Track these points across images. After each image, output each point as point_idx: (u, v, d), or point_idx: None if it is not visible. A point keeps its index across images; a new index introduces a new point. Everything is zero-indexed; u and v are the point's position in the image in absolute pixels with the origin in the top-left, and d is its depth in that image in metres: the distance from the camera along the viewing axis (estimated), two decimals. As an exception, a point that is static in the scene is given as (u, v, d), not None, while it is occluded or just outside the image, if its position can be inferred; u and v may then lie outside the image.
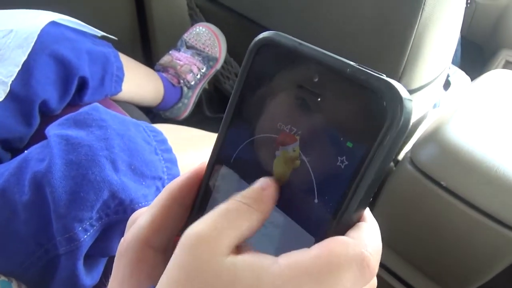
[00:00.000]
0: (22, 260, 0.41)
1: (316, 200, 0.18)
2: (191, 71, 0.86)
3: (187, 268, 0.16)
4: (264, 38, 0.20)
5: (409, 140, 0.97)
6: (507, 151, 0.68)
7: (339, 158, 0.17)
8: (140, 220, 0.21)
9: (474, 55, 1.37)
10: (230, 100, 0.21)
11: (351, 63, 0.18)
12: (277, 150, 0.19)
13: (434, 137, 0.73)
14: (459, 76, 1.18)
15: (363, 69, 0.17)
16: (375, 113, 0.16)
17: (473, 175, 0.67)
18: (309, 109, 0.18)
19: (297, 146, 0.19)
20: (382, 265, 0.88)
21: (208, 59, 0.89)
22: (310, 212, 0.18)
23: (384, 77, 0.17)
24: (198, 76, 0.88)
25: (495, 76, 0.90)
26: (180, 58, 0.87)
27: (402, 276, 0.85)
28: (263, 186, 0.19)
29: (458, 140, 0.70)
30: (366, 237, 0.18)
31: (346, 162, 0.17)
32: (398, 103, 0.16)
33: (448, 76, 1.12)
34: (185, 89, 0.87)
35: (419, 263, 0.84)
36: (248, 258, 0.17)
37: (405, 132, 0.16)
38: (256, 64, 0.20)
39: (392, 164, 1.05)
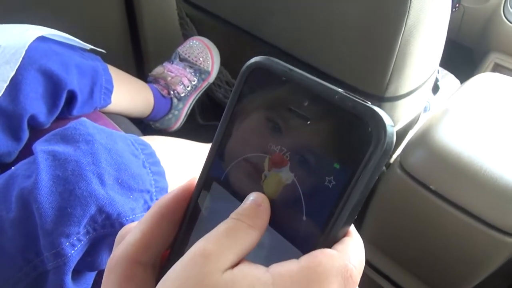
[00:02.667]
0: (10, 276, 0.41)
1: (304, 217, 0.19)
2: (182, 83, 0.87)
3: (189, 283, 0.17)
4: (255, 63, 0.21)
5: (400, 144, 0.98)
6: (495, 154, 0.68)
7: (326, 178, 0.18)
8: (129, 236, 0.21)
9: (464, 58, 1.38)
10: (221, 120, 0.22)
11: (339, 90, 0.19)
12: (269, 170, 0.20)
13: (422, 141, 0.74)
14: (449, 79, 1.20)
15: (350, 96, 0.18)
16: (360, 138, 0.18)
17: (461, 178, 0.68)
18: (299, 131, 0.20)
19: (288, 169, 0.20)
20: (374, 268, 0.88)
21: (200, 72, 0.89)
22: (298, 229, 0.19)
23: (369, 104, 0.18)
24: (189, 88, 0.88)
25: (483, 80, 0.91)
26: (172, 70, 0.88)
27: (394, 279, 0.86)
28: (257, 202, 0.20)
29: (446, 144, 0.70)
30: (350, 251, 0.19)
31: (334, 182, 0.18)
32: (382, 129, 0.17)
33: (437, 80, 1.13)
34: (175, 100, 0.87)
35: (411, 265, 0.85)
36: (243, 269, 0.18)
37: (388, 155, 0.18)
38: (247, 87, 0.21)
39: (384, 168, 1.05)
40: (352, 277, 0.18)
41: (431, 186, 0.70)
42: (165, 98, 0.86)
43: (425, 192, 0.71)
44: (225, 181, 0.22)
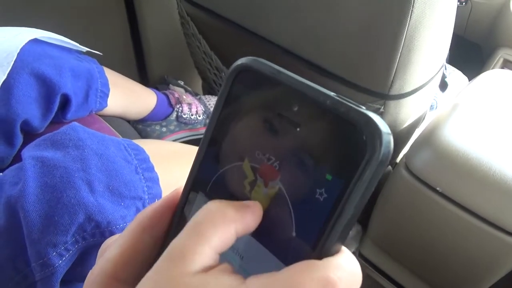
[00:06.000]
0: (1, 285, 0.40)
1: (294, 233, 0.18)
2: (190, 106, 0.87)
3: None
4: (241, 65, 0.20)
5: (405, 144, 0.96)
6: (503, 154, 0.66)
7: (317, 190, 0.17)
8: (108, 252, 0.20)
9: (472, 54, 1.35)
10: (207, 126, 0.21)
11: (331, 94, 0.17)
12: (256, 180, 0.19)
13: (428, 141, 0.71)
14: (456, 76, 1.17)
15: (343, 101, 0.17)
16: (354, 146, 0.16)
17: (469, 180, 0.65)
18: (288, 139, 0.18)
19: (277, 181, 0.18)
20: (379, 270, 0.86)
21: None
22: (288, 245, 0.18)
23: (363, 110, 0.16)
24: (192, 117, 0.87)
25: (491, 77, 0.88)
26: (189, 97, 0.90)
27: (400, 282, 0.84)
28: (245, 203, 0.19)
29: (453, 144, 0.68)
30: (336, 262, 0.17)
31: (325, 195, 0.17)
32: (378, 137, 0.16)
33: (445, 77, 1.10)
34: (174, 114, 0.86)
35: (417, 269, 0.83)
36: (218, 276, 0.17)
37: (384, 166, 0.16)
38: (234, 91, 0.20)
39: (390, 167, 1.03)
40: None
41: (437, 188, 0.68)
42: (169, 107, 0.85)
43: (431, 194, 0.69)
44: (211, 190, 0.21)
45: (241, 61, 0.20)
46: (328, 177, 0.17)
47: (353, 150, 0.16)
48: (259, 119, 0.19)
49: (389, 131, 0.16)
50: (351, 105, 0.17)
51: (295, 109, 0.18)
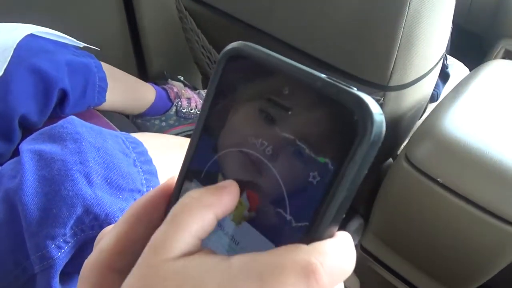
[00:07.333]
0: (1, 280, 0.41)
1: (287, 217, 0.18)
2: (190, 101, 0.87)
3: (140, 279, 0.17)
4: (232, 49, 0.20)
5: (407, 135, 0.95)
6: (504, 145, 0.66)
7: (311, 173, 0.17)
8: (102, 241, 0.20)
9: (474, 45, 1.34)
10: (199, 113, 0.21)
11: (322, 76, 0.17)
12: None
13: (429, 132, 0.71)
14: (457, 68, 1.16)
15: (334, 82, 0.17)
16: (345, 128, 0.16)
17: (471, 170, 0.65)
18: (279, 123, 0.18)
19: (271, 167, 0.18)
20: (380, 262, 0.86)
21: None
22: (282, 229, 0.18)
23: (354, 90, 0.16)
24: (192, 111, 0.87)
25: (492, 67, 0.88)
26: (188, 91, 0.90)
27: (401, 273, 0.84)
28: (222, 184, 0.19)
29: (454, 134, 0.68)
30: (322, 248, 0.17)
31: (318, 178, 0.17)
32: (369, 118, 0.16)
33: (446, 67, 1.09)
34: (173, 109, 0.86)
35: (418, 260, 0.82)
36: (200, 257, 0.17)
37: (376, 147, 0.16)
38: (225, 76, 0.20)
39: (390, 159, 1.03)
40: (315, 274, 0.16)
41: (438, 179, 0.67)
42: (168, 101, 0.85)
43: (432, 185, 0.69)
44: (205, 178, 0.21)
45: (231, 45, 0.20)
46: (321, 160, 0.17)
47: (345, 132, 0.16)
48: (250, 104, 0.19)
49: (381, 111, 0.16)
50: (342, 86, 0.16)
51: (286, 92, 0.18)
